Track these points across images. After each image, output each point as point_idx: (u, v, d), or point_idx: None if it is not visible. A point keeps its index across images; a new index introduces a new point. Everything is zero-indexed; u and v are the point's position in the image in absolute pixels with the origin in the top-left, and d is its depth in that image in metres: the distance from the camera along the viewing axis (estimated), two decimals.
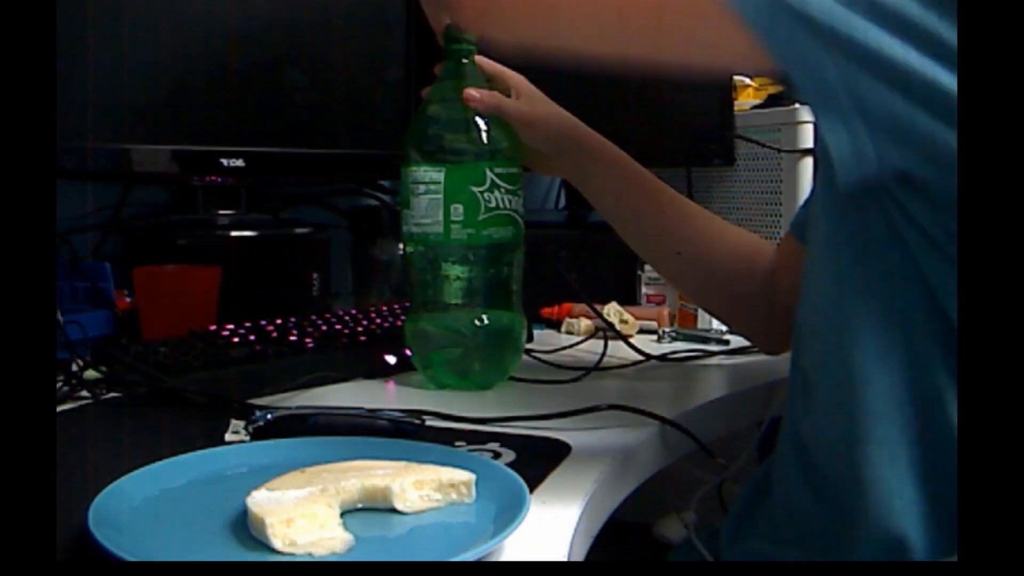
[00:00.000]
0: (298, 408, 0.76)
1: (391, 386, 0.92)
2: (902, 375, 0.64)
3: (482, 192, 0.87)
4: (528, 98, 0.92)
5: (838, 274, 0.67)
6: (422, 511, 0.56)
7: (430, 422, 0.75)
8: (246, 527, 0.52)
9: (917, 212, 0.62)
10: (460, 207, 0.87)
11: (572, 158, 0.95)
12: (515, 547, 0.53)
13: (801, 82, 0.58)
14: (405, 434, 0.71)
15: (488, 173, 0.87)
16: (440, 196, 0.87)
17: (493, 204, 0.87)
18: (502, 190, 0.88)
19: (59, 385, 0.83)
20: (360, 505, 0.56)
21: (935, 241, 0.61)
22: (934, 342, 0.63)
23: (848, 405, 0.66)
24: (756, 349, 1.03)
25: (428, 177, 0.87)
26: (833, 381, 0.68)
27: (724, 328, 1.10)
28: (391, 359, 0.95)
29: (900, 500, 0.64)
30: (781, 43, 0.58)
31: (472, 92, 0.88)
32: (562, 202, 1.60)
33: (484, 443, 0.71)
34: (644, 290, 1.27)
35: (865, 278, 0.66)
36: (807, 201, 0.94)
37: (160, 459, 0.61)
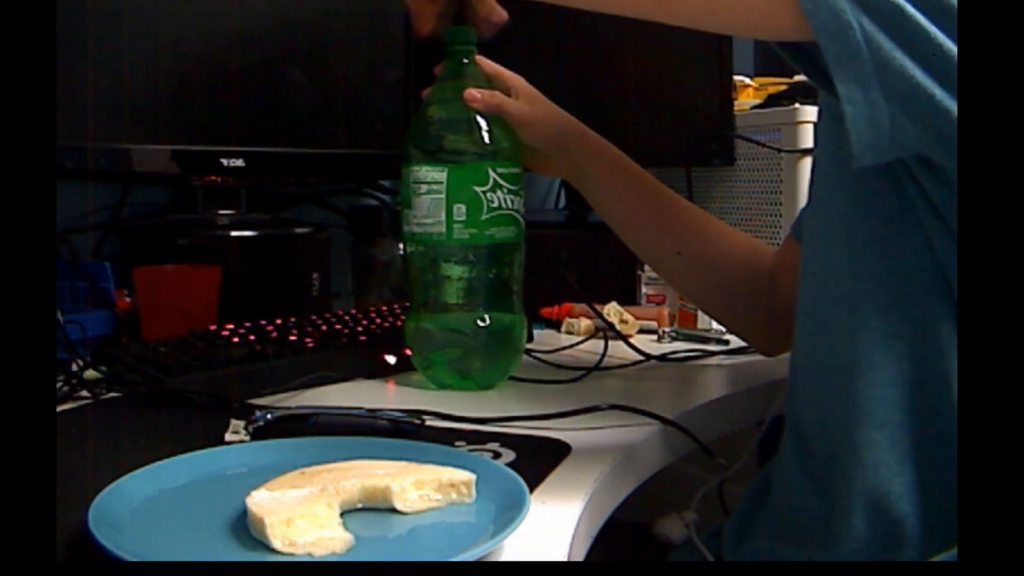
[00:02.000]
0: (298, 408, 0.76)
1: (391, 386, 0.92)
2: (909, 360, 0.64)
3: (485, 192, 0.87)
4: (528, 98, 0.92)
5: (851, 258, 0.67)
6: (422, 511, 0.56)
7: (430, 422, 0.75)
8: (246, 527, 0.52)
9: (933, 193, 0.62)
10: (463, 207, 0.87)
11: (572, 158, 0.95)
12: (515, 547, 0.53)
13: (827, 42, 0.58)
14: (405, 434, 0.71)
15: (491, 173, 0.87)
16: (442, 196, 0.87)
17: (496, 204, 0.87)
18: (504, 190, 0.88)
19: (59, 385, 0.83)
20: (360, 505, 0.56)
21: (948, 224, 0.62)
22: (944, 327, 0.63)
23: (851, 391, 0.66)
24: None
25: (430, 177, 0.87)
26: (837, 368, 0.68)
27: (724, 328, 1.10)
28: (391, 359, 0.95)
29: (899, 483, 0.64)
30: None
31: (473, 92, 0.88)
32: (562, 202, 1.60)
33: (484, 443, 0.71)
34: (644, 290, 1.27)
35: (878, 260, 0.66)
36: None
37: (160, 459, 0.61)
